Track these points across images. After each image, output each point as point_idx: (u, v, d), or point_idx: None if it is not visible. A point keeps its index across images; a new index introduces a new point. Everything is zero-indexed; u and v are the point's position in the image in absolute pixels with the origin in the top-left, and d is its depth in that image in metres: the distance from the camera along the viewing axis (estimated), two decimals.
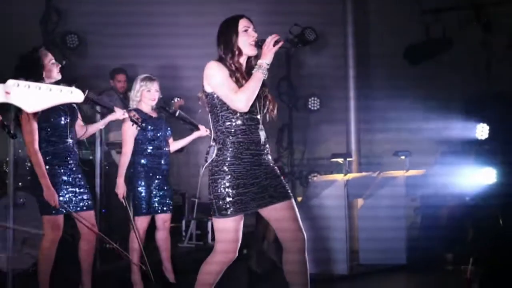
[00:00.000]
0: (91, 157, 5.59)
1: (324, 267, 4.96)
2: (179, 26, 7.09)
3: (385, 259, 5.38)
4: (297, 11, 7.41)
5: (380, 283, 5.14)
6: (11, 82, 1.64)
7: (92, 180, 4.83)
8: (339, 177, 5.23)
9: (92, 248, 3.99)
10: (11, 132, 3.45)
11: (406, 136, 6.97)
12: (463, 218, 5.81)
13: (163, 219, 4.37)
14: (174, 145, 4.53)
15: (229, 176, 2.85)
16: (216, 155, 2.89)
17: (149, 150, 4.27)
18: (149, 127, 4.24)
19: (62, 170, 3.80)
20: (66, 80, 3.77)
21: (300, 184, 7.96)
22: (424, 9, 7.58)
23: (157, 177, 4.30)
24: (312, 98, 7.93)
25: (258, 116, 2.95)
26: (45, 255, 3.76)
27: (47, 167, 3.71)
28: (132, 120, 4.02)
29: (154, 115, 4.37)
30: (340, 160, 5.36)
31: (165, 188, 4.35)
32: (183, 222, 6.37)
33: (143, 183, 4.25)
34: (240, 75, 2.90)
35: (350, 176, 5.24)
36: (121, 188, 4.22)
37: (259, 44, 2.89)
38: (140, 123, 4.05)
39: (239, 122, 2.89)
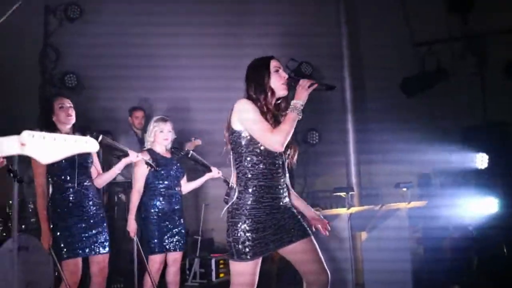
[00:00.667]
0: None
1: None
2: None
3: None
4: (292, 43, 7.51)
5: None
6: (26, 133, 1.61)
7: None
8: (343, 211, 5.23)
9: None
10: (18, 176, 3.48)
11: (405, 167, 6.99)
12: (467, 248, 5.80)
13: (174, 257, 4.34)
14: (187, 186, 4.52)
15: (250, 221, 2.78)
16: (237, 197, 2.83)
17: (160, 190, 4.27)
18: (161, 167, 4.25)
19: (76, 217, 3.77)
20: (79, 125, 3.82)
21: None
22: (417, 42, 7.71)
23: (169, 216, 4.27)
24: (311, 132, 7.99)
25: (280, 161, 2.89)
26: None
27: (59, 210, 3.71)
28: (147, 163, 4.04)
29: (168, 155, 4.38)
30: (342, 194, 5.36)
31: (178, 227, 4.32)
32: (187, 260, 6.32)
33: (154, 222, 4.23)
34: (270, 116, 2.84)
35: (353, 210, 5.25)
36: (132, 226, 4.21)
37: (292, 85, 2.86)
38: (154, 166, 4.07)
39: (261, 166, 2.82)
